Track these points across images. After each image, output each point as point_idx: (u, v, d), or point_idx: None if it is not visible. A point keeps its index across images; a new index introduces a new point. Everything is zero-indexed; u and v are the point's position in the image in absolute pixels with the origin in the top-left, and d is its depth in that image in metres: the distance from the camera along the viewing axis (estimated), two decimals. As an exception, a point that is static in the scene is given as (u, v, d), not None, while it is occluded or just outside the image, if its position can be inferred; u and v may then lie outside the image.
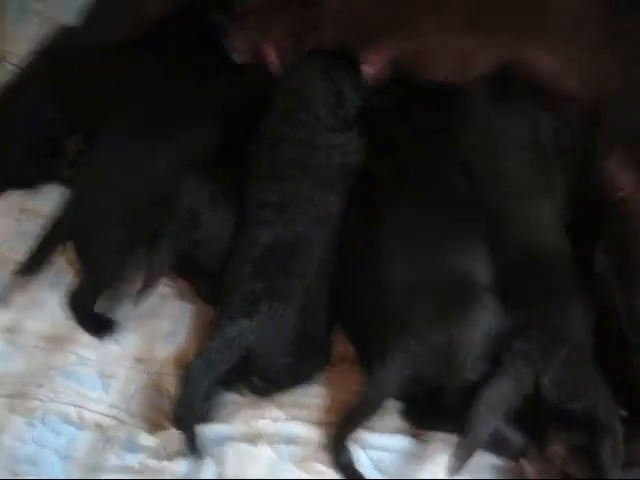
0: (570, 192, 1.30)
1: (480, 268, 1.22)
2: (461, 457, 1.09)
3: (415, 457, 1.16)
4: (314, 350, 1.25)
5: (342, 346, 1.27)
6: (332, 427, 1.17)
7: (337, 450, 1.14)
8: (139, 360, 1.30)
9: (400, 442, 1.17)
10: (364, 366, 1.21)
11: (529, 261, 1.23)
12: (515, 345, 1.15)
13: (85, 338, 1.31)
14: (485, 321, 1.17)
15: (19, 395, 1.24)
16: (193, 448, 1.16)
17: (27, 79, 1.52)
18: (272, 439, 1.17)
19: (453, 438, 1.16)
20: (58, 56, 1.52)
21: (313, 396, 1.23)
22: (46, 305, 1.35)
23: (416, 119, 1.37)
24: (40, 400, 1.23)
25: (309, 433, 1.18)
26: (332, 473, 1.14)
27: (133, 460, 1.19)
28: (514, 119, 1.29)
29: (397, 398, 1.19)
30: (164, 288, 1.36)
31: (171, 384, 1.25)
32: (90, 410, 1.24)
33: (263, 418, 1.20)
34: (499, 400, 1.12)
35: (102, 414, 1.24)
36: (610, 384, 1.14)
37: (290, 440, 1.17)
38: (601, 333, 1.20)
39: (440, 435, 1.17)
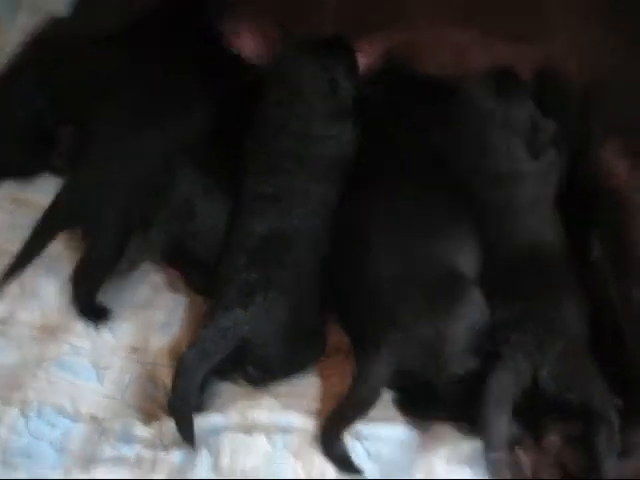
0: (563, 181, 1.30)
1: (467, 262, 1.23)
2: (491, 460, 1.10)
3: (411, 447, 1.16)
4: (309, 340, 1.25)
5: (337, 337, 1.27)
6: (327, 418, 1.17)
7: (331, 443, 1.14)
8: (134, 350, 1.29)
9: (395, 432, 1.17)
10: (356, 358, 1.21)
11: (524, 254, 1.24)
12: (513, 338, 1.15)
13: (79, 328, 1.30)
14: (472, 314, 1.17)
15: (14, 387, 1.24)
16: (187, 438, 1.16)
17: (17, 70, 1.50)
18: (268, 429, 1.17)
19: (449, 428, 1.17)
20: (47, 47, 1.51)
21: (309, 386, 1.23)
22: (39, 295, 1.34)
23: (409, 111, 1.36)
24: (35, 392, 1.23)
25: (305, 423, 1.18)
26: (328, 463, 1.14)
27: (129, 451, 1.18)
28: (513, 114, 1.28)
29: (389, 387, 1.20)
30: (158, 279, 1.36)
31: (166, 375, 1.25)
32: (85, 401, 1.23)
33: (259, 408, 1.20)
34: (504, 394, 1.12)
35: (97, 405, 1.23)
36: (606, 375, 1.14)
37: (286, 430, 1.17)
38: (597, 324, 1.20)
39: (436, 425, 1.18)
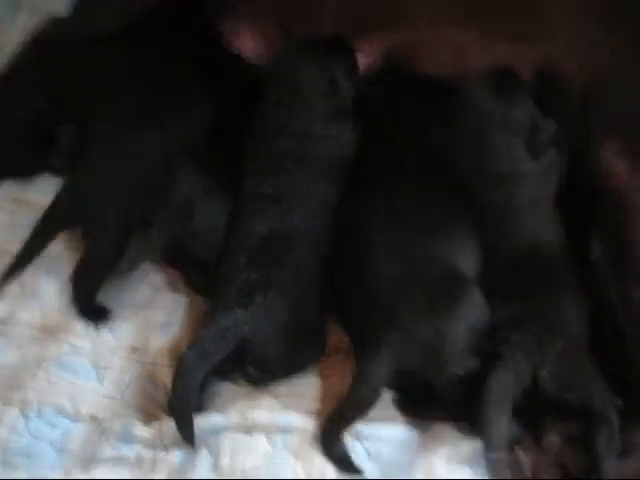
0: (563, 181, 1.30)
1: (467, 262, 1.23)
2: (491, 460, 1.10)
3: (411, 447, 1.16)
4: (309, 340, 1.25)
5: (337, 337, 1.27)
6: (327, 418, 1.17)
7: (331, 443, 1.14)
8: (134, 350, 1.29)
9: (395, 432, 1.17)
10: (356, 358, 1.21)
11: (524, 254, 1.24)
12: (513, 338, 1.15)
13: (79, 328, 1.30)
14: (472, 314, 1.17)
15: (14, 387, 1.24)
16: (187, 438, 1.16)
17: (17, 70, 1.50)
18: (268, 429, 1.17)
19: (449, 428, 1.17)
20: (47, 47, 1.51)
21: (309, 386, 1.23)
22: (39, 295, 1.34)
23: (409, 111, 1.36)
24: (35, 392, 1.23)
25: (305, 423, 1.18)
26: (329, 463, 1.14)
27: (129, 451, 1.18)
28: (513, 114, 1.28)
29: (389, 387, 1.20)
30: (158, 279, 1.36)
31: (166, 375, 1.25)
32: (85, 402, 1.23)
33: (259, 408, 1.20)
34: (504, 394, 1.12)
35: (97, 405, 1.23)
36: (606, 375, 1.14)
37: (286, 430, 1.17)
38: (597, 324, 1.20)
39: (436, 425, 1.18)
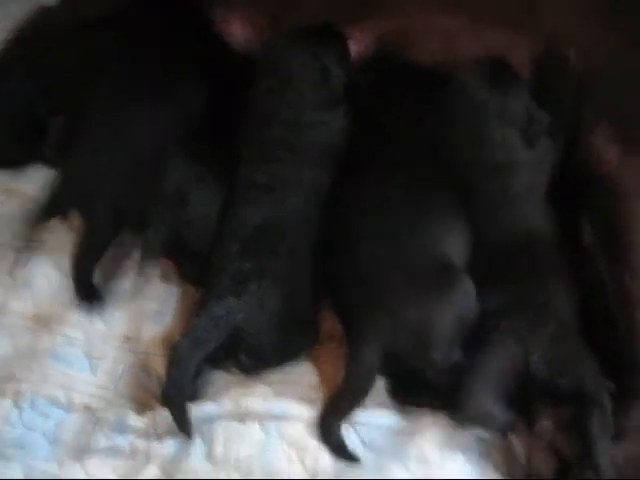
0: (556, 169, 1.30)
1: (457, 249, 1.23)
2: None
3: (404, 433, 1.16)
4: (302, 329, 1.25)
5: (330, 324, 1.27)
6: (321, 404, 1.17)
7: (329, 431, 1.14)
8: (126, 340, 1.29)
9: (388, 419, 1.18)
10: (348, 344, 1.22)
11: (518, 241, 1.24)
12: (503, 324, 1.16)
13: (71, 317, 1.30)
14: (462, 302, 1.17)
15: (7, 378, 1.24)
16: (182, 427, 1.16)
17: (6, 59, 1.50)
18: (261, 417, 1.17)
19: (442, 414, 1.17)
20: (37, 36, 1.51)
21: (302, 374, 1.24)
22: (31, 285, 1.34)
23: (400, 98, 1.36)
24: (29, 383, 1.23)
25: (298, 410, 1.18)
26: (322, 450, 1.14)
27: (122, 441, 1.18)
28: (508, 106, 1.28)
29: (382, 375, 1.20)
30: (150, 268, 1.35)
31: (159, 364, 1.25)
32: (78, 392, 1.23)
33: (252, 396, 1.20)
34: (491, 378, 1.12)
35: (90, 396, 1.23)
36: (597, 360, 1.15)
37: (279, 418, 1.17)
38: (588, 310, 1.20)
39: (429, 411, 1.18)
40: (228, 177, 1.32)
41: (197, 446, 1.16)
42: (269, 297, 1.21)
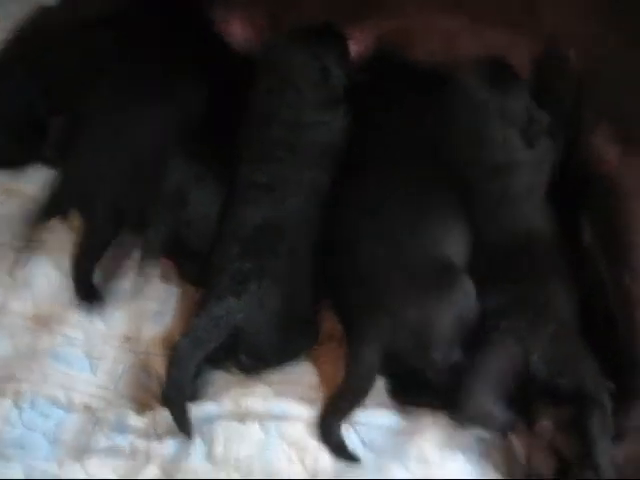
0: (556, 169, 1.30)
1: (457, 249, 1.23)
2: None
3: (403, 433, 1.16)
4: (302, 329, 1.25)
5: (331, 324, 1.27)
6: (321, 404, 1.17)
7: (330, 432, 1.14)
8: (126, 340, 1.29)
9: (388, 418, 1.18)
10: (348, 344, 1.22)
11: (518, 241, 1.24)
12: (503, 324, 1.16)
13: (71, 317, 1.30)
14: (462, 303, 1.17)
15: (7, 378, 1.24)
16: (183, 427, 1.16)
17: (7, 59, 1.50)
18: (261, 417, 1.17)
19: (442, 414, 1.17)
20: (36, 36, 1.51)
21: (302, 374, 1.23)
22: (31, 285, 1.34)
23: (399, 98, 1.36)
24: (29, 383, 1.23)
25: (298, 410, 1.18)
26: (322, 450, 1.14)
27: (123, 441, 1.18)
28: (509, 106, 1.28)
29: (382, 375, 1.20)
30: (149, 268, 1.35)
31: (159, 364, 1.25)
32: (78, 392, 1.23)
33: (252, 396, 1.19)
34: (490, 378, 1.12)
35: (90, 396, 1.23)
36: (597, 360, 1.15)
37: (279, 418, 1.17)
38: (589, 310, 1.20)
39: (429, 411, 1.18)
40: (228, 177, 1.32)
41: (197, 446, 1.16)
42: (269, 297, 1.21)
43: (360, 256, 1.22)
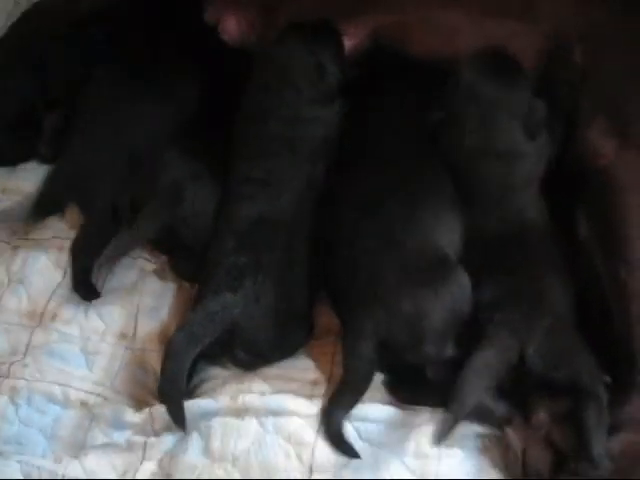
0: (552, 162, 1.30)
1: (449, 238, 1.23)
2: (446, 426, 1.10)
3: (401, 427, 1.16)
4: (298, 324, 1.25)
5: (327, 318, 1.27)
6: (318, 399, 1.17)
7: (330, 426, 1.14)
8: (122, 336, 1.29)
9: (386, 412, 1.17)
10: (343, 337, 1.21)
11: (508, 234, 1.23)
12: (497, 317, 1.16)
13: (67, 314, 1.30)
14: (456, 295, 1.17)
15: (3, 375, 1.24)
16: (178, 421, 1.16)
17: (3, 55, 1.50)
18: (258, 412, 1.17)
19: (439, 409, 1.17)
20: (32, 33, 1.51)
21: (299, 369, 1.23)
22: (26, 282, 1.34)
23: (395, 93, 1.36)
24: (25, 379, 1.23)
25: (296, 405, 1.17)
26: (319, 445, 1.14)
27: (119, 437, 1.19)
28: (511, 97, 1.28)
29: (379, 369, 1.20)
30: (145, 264, 1.36)
31: (155, 360, 1.25)
32: (75, 388, 1.24)
33: (249, 391, 1.19)
34: (485, 371, 1.12)
35: (87, 392, 1.24)
36: (593, 353, 1.14)
37: (276, 413, 1.17)
38: (584, 303, 1.20)
39: (426, 407, 1.17)
40: (224, 173, 1.32)
41: (194, 441, 1.16)
42: (265, 292, 1.21)
43: (355, 250, 1.22)
